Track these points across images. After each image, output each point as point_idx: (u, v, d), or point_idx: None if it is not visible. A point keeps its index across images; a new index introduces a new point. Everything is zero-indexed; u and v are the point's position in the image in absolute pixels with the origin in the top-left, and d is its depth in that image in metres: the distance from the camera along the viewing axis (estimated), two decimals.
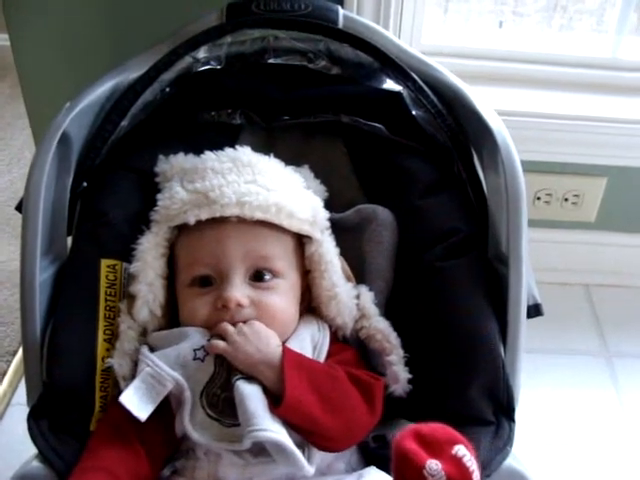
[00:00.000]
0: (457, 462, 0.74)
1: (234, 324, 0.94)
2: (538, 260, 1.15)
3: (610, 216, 1.79)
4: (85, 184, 1.07)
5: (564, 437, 1.55)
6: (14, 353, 1.61)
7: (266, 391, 0.91)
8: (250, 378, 0.92)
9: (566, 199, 1.75)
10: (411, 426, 0.77)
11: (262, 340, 0.93)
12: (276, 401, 0.89)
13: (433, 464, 0.73)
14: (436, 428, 0.77)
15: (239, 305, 0.94)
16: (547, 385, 1.62)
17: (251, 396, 0.89)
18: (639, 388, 1.65)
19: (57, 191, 1.01)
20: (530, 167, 1.59)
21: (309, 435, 0.91)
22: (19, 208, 1.05)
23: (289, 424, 0.89)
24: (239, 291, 0.95)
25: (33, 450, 1.32)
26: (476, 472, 0.74)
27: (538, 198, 1.74)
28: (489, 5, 1.74)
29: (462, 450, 0.75)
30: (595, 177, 1.73)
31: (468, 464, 0.74)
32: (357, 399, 0.93)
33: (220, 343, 0.92)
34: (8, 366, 1.58)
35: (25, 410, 1.44)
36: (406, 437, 0.76)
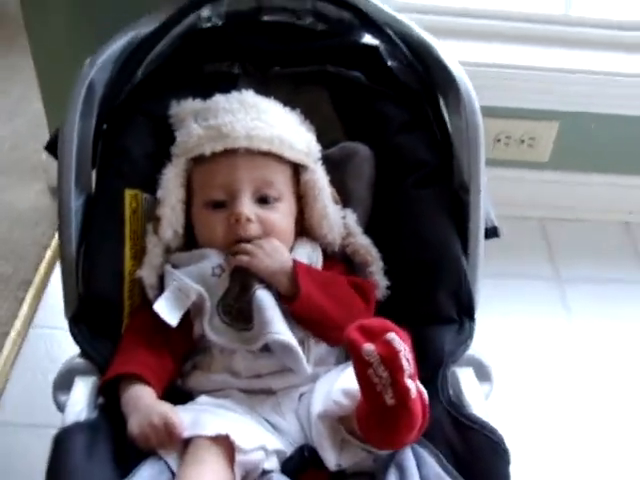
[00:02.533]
0: (388, 345, 0.84)
1: (247, 241, 1.08)
2: (498, 195, 1.24)
3: (562, 156, 1.90)
4: (105, 126, 1.20)
5: (516, 356, 1.66)
6: (30, 282, 1.73)
7: (279, 299, 1.06)
8: (266, 289, 1.06)
9: (522, 141, 1.86)
10: (358, 321, 0.89)
11: (277, 252, 1.08)
12: (290, 301, 1.04)
13: (368, 346, 0.84)
14: (374, 321, 0.89)
15: (248, 219, 1.08)
16: (503, 306, 1.73)
17: (267, 304, 1.04)
18: (587, 311, 1.78)
19: (83, 131, 1.12)
20: (491, 112, 1.65)
21: (318, 327, 1.06)
22: (49, 148, 1.18)
23: (301, 319, 1.05)
24: (247, 208, 1.08)
25: (55, 365, 1.50)
26: (403, 352, 0.84)
27: (498, 140, 1.84)
28: None
29: (392, 335, 0.85)
30: (548, 121, 1.83)
31: (397, 346, 0.84)
32: (355, 297, 1.09)
33: (244, 257, 1.06)
34: (26, 293, 1.71)
35: (44, 332, 1.63)
36: (351, 329, 0.87)
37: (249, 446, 0.93)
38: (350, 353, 0.87)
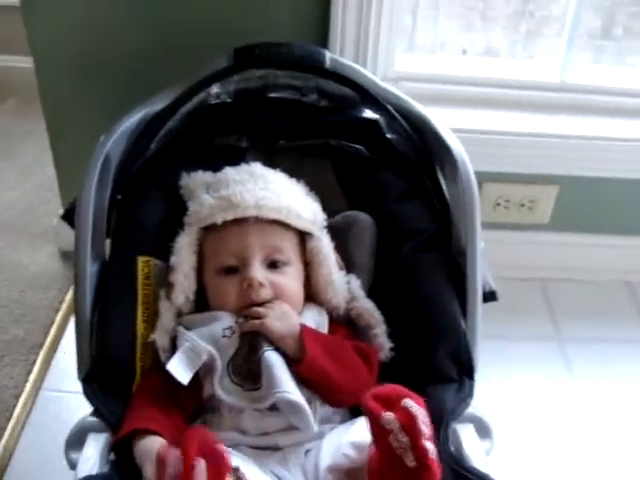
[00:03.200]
0: (406, 411, 0.88)
1: (259, 305, 1.12)
2: (499, 258, 1.29)
3: (562, 218, 1.91)
4: (120, 196, 1.25)
5: (518, 416, 1.65)
6: (41, 345, 1.75)
7: (286, 360, 1.09)
8: (274, 350, 1.09)
9: (522, 204, 1.87)
10: (371, 390, 0.92)
11: (287, 316, 1.12)
12: (297, 363, 1.08)
13: (388, 415, 0.88)
14: (389, 388, 0.92)
15: (260, 284, 1.12)
16: (505, 367, 1.74)
17: (276, 364, 1.07)
18: (589, 371, 1.78)
19: (98, 201, 1.18)
20: (491, 177, 1.77)
21: (322, 389, 1.09)
22: (66, 217, 1.23)
23: (306, 381, 1.08)
24: (259, 273, 1.13)
25: (64, 427, 1.52)
26: (421, 417, 0.88)
27: (498, 204, 1.86)
28: (458, 9, 1.85)
29: (409, 402, 0.89)
30: (548, 185, 1.85)
31: (414, 412, 0.88)
32: (359, 362, 1.13)
33: (256, 322, 1.10)
34: (37, 356, 1.73)
35: (53, 395, 1.64)
36: (368, 399, 0.90)
37: None
38: (369, 421, 0.91)
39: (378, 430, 0.89)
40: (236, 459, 0.97)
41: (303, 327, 1.12)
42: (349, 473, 0.99)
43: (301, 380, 1.09)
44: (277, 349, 1.10)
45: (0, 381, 1.68)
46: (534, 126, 1.77)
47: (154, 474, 0.96)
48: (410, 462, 0.87)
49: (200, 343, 1.11)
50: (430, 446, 0.88)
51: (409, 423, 0.88)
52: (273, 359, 1.08)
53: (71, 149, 1.73)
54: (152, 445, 1.00)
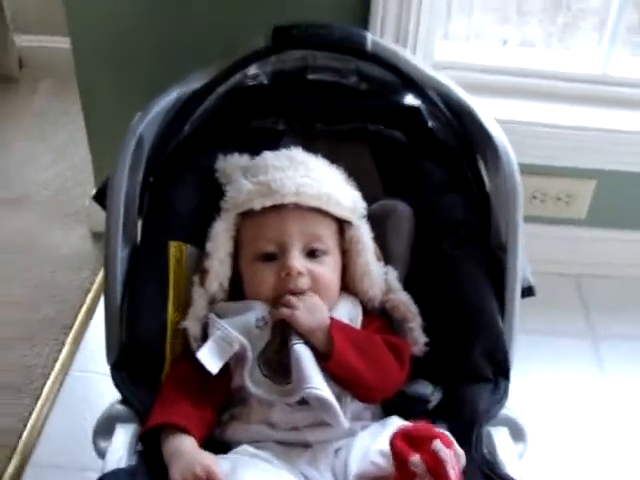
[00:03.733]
0: (435, 455, 0.87)
1: (292, 293, 1.10)
2: (534, 252, 1.26)
3: (599, 214, 1.91)
4: (152, 178, 1.23)
5: (549, 413, 1.65)
6: (71, 326, 1.77)
7: (316, 354, 1.07)
8: (304, 344, 1.07)
9: (559, 198, 1.86)
10: (401, 427, 0.92)
11: (317, 309, 1.09)
12: (325, 358, 1.06)
13: (415, 458, 0.87)
14: (420, 428, 0.91)
15: (299, 273, 1.10)
16: (538, 363, 1.73)
17: (304, 358, 1.05)
18: (622, 369, 1.77)
19: (131, 183, 1.16)
20: (527, 169, 1.67)
21: (351, 386, 1.07)
22: (97, 198, 1.22)
23: (335, 377, 1.06)
24: (298, 261, 1.11)
25: (91, 408, 1.52)
26: (450, 462, 0.87)
27: (534, 197, 1.85)
28: (494, 2, 1.84)
29: (439, 445, 0.88)
30: (585, 179, 1.84)
31: (443, 457, 0.87)
32: (390, 357, 1.10)
33: (286, 310, 1.08)
34: (67, 336, 1.75)
35: (82, 375, 1.65)
36: (397, 438, 0.90)
37: None
38: (395, 461, 0.90)
39: (404, 473, 0.88)
40: (266, 458, 0.98)
41: (333, 321, 1.10)
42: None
43: (331, 375, 1.07)
44: (307, 343, 1.08)
45: (30, 360, 1.70)
46: (573, 118, 1.77)
47: (181, 475, 0.96)
48: None
49: (232, 332, 1.09)
50: None
51: (437, 468, 0.87)
52: (302, 353, 1.06)
53: (105, 130, 1.74)
54: (179, 444, 1.00)
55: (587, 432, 1.64)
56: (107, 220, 1.14)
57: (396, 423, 1.04)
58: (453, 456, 0.88)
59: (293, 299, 1.10)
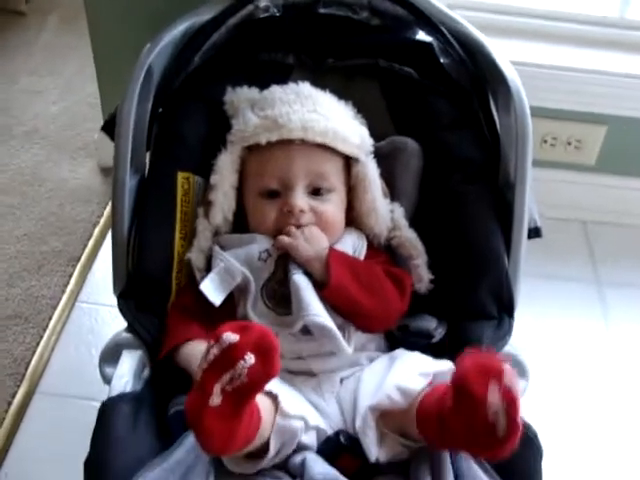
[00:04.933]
0: (509, 392, 0.83)
1: (297, 227, 1.10)
2: (542, 197, 1.26)
3: (609, 160, 1.90)
4: (161, 109, 1.22)
5: (552, 355, 1.67)
6: (78, 259, 1.79)
7: (315, 284, 1.08)
8: (303, 273, 1.08)
9: (569, 143, 1.85)
10: (469, 356, 0.86)
11: (315, 240, 1.10)
12: (323, 288, 1.06)
13: (493, 397, 0.82)
14: (489, 359, 0.86)
15: (301, 211, 1.10)
16: (542, 307, 1.74)
17: (304, 288, 1.06)
18: (626, 315, 1.79)
19: (139, 114, 1.15)
20: (539, 113, 1.65)
21: (350, 315, 1.08)
22: (105, 128, 1.21)
23: (334, 306, 1.07)
24: (301, 199, 1.11)
25: (98, 339, 1.55)
26: (520, 397, 0.84)
27: (545, 141, 1.85)
28: None
29: (511, 381, 0.83)
30: (596, 124, 1.83)
31: (516, 393, 0.83)
32: (390, 287, 1.11)
33: (285, 238, 1.09)
34: (74, 269, 1.76)
35: (89, 307, 1.68)
36: (468, 369, 0.84)
37: (292, 412, 0.94)
38: (467, 394, 0.85)
39: (481, 409, 0.83)
40: (277, 384, 0.96)
41: (331, 251, 1.10)
42: (386, 414, 0.98)
43: (331, 305, 1.07)
44: (306, 273, 1.09)
45: (38, 291, 1.72)
46: (587, 62, 1.76)
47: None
48: (501, 432, 0.83)
49: (235, 264, 1.10)
50: (521, 422, 0.84)
51: (511, 403, 0.83)
52: (301, 282, 1.07)
53: (114, 65, 1.71)
54: (197, 348, 1.00)
55: (588, 376, 1.66)
56: (115, 149, 1.14)
57: (405, 358, 1.05)
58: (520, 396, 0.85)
59: (293, 229, 1.10)
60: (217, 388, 0.82)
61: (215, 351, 0.83)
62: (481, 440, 0.84)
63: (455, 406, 0.86)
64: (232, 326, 0.84)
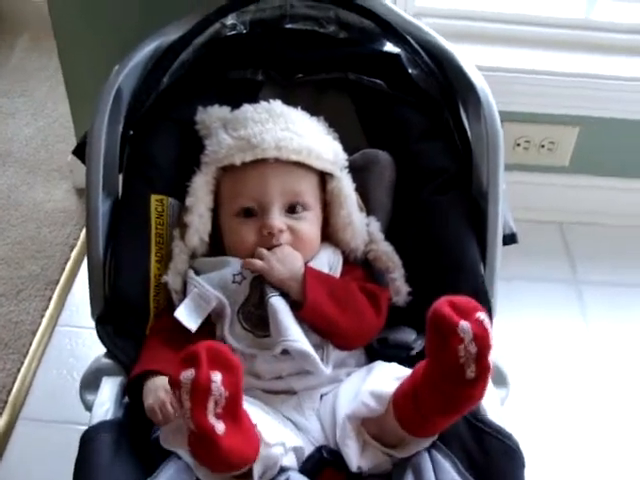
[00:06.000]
0: (481, 324, 0.87)
1: (269, 248, 1.10)
2: (517, 200, 1.27)
3: (582, 161, 1.91)
4: (132, 131, 1.22)
5: (532, 358, 1.67)
6: (57, 282, 1.77)
7: (292, 305, 1.07)
8: (280, 296, 1.07)
9: (542, 145, 1.86)
10: (445, 297, 0.91)
11: (288, 260, 1.09)
12: (300, 308, 1.06)
13: (465, 324, 0.87)
14: (463, 299, 0.91)
15: (280, 231, 1.10)
16: (522, 309, 1.75)
17: (281, 311, 1.06)
18: (604, 315, 1.79)
19: (110, 137, 1.15)
20: (510, 117, 1.73)
21: (327, 334, 1.08)
22: (76, 152, 1.21)
23: (311, 326, 1.07)
24: (278, 219, 1.11)
25: (79, 363, 1.53)
26: (492, 333, 0.88)
27: (518, 144, 1.85)
28: None
29: (483, 315, 0.88)
30: (569, 126, 1.83)
31: (487, 326, 0.87)
32: (366, 305, 1.11)
33: (257, 261, 1.08)
34: (53, 292, 1.75)
35: (69, 330, 1.67)
36: (443, 305, 0.89)
37: (272, 440, 0.94)
38: (441, 327, 0.89)
39: (452, 338, 0.87)
40: (254, 411, 0.97)
41: (307, 269, 1.10)
42: (364, 423, 0.99)
43: (308, 325, 1.07)
44: (283, 295, 1.09)
45: (17, 316, 1.71)
46: (556, 65, 1.76)
47: (155, 401, 0.98)
48: (470, 373, 0.87)
49: (209, 289, 1.09)
50: (491, 363, 0.88)
51: (482, 335, 0.87)
52: (277, 305, 1.07)
53: (85, 85, 1.70)
54: (160, 382, 1.00)
55: (570, 377, 1.66)
56: (87, 172, 1.14)
57: (381, 367, 1.06)
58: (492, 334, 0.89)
59: (264, 251, 1.10)
60: (212, 419, 0.85)
61: (186, 396, 0.85)
62: (452, 379, 0.87)
63: (428, 345, 0.91)
64: (181, 365, 0.86)
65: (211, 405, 0.85)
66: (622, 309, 1.82)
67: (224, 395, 0.85)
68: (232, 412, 0.87)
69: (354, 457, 0.98)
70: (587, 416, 1.59)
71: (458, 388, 0.88)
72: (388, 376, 1.01)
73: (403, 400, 0.95)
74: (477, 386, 0.88)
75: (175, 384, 0.86)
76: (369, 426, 0.99)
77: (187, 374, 0.85)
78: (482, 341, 0.86)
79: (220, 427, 0.85)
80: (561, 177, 1.94)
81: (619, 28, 1.80)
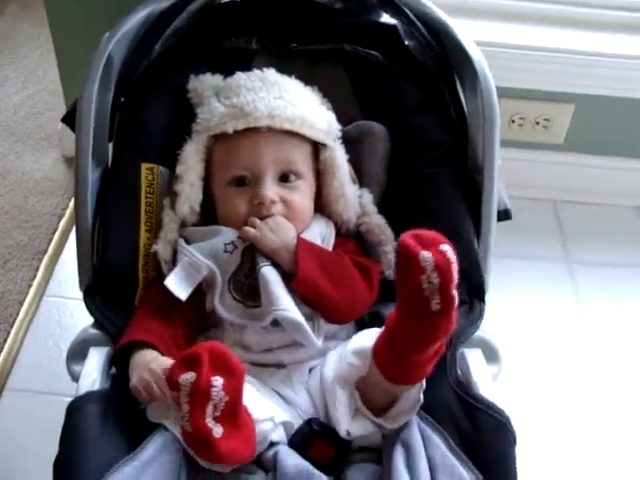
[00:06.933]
0: (443, 254, 0.86)
1: (262, 218, 1.09)
2: (511, 177, 1.26)
3: (577, 139, 1.90)
4: (123, 99, 1.20)
5: (524, 336, 1.67)
6: (45, 252, 1.76)
7: (283, 275, 1.07)
8: (271, 266, 1.07)
9: (537, 122, 1.85)
10: (410, 231, 0.90)
11: (282, 230, 1.08)
12: (290, 279, 1.05)
13: (426, 253, 0.86)
14: (429, 232, 0.90)
15: (272, 201, 1.09)
16: (514, 286, 1.75)
17: (272, 281, 1.05)
18: (597, 294, 1.79)
19: (100, 104, 1.13)
20: (506, 93, 1.69)
21: (318, 307, 1.07)
22: (66, 120, 1.20)
23: (302, 298, 1.06)
24: (271, 190, 1.09)
25: (66, 334, 1.52)
26: (455, 264, 0.87)
27: (513, 121, 1.84)
28: None
29: (447, 247, 0.87)
30: (564, 103, 1.83)
31: (451, 257, 0.86)
32: (358, 278, 1.10)
33: (250, 229, 1.07)
34: (40, 262, 1.74)
35: (56, 301, 1.66)
36: (406, 236, 0.88)
37: (261, 416, 0.94)
38: (404, 258, 0.88)
39: (414, 268, 0.86)
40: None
41: (299, 241, 1.09)
42: (358, 383, 0.99)
43: (297, 296, 1.06)
44: (275, 265, 1.07)
45: (4, 286, 1.70)
46: (552, 41, 1.75)
47: (139, 382, 0.96)
48: (435, 305, 0.86)
49: (199, 258, 1.08)
50: (456, 294, 0.87)
51: (444, 265, 0.86)
52: (269, 275, 1.06)
53: (75, 53, 1.68)
54: (146, 358, 0.99)
55: (561, 354, 1.66)
56: (77, 140, 1.12)
57: (364, 331, 1.05)
58: (456, 260, 0.88)
59: (257, 220, 1.09)
60: (210, 422, 0.84)
61: (184, 399, 0.84)
62: (418, 311, 0.87)
63: (396, 280, 0.90)
64: (181, 366, 0.85)
65: (210, 409, 0.85)
66: (614, 288, 1.82)
67: (224, 400, 0.85)
68: (231, 415, 0.86)
69: (343, 421, 0.98)
70: (578, 393, 1.60)
71: (425, 321, 0.88)
72: (369, 335, 1.01)
73: (382, 345, 0.95)
74: (443, 318, 0.87)
75: (174, 386, 0.85)
76: (359, 387, 0.99)
77: (187, 377, 0.84)
78: (444, 271, 0.86)
79: (218, 430, 0.85)
80: (555, 155, 1.94)
81: (616, 5, 1.79)
